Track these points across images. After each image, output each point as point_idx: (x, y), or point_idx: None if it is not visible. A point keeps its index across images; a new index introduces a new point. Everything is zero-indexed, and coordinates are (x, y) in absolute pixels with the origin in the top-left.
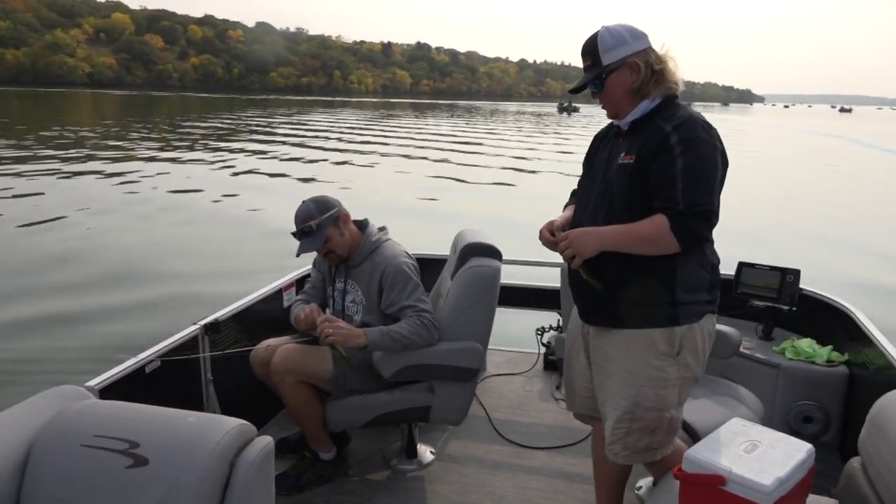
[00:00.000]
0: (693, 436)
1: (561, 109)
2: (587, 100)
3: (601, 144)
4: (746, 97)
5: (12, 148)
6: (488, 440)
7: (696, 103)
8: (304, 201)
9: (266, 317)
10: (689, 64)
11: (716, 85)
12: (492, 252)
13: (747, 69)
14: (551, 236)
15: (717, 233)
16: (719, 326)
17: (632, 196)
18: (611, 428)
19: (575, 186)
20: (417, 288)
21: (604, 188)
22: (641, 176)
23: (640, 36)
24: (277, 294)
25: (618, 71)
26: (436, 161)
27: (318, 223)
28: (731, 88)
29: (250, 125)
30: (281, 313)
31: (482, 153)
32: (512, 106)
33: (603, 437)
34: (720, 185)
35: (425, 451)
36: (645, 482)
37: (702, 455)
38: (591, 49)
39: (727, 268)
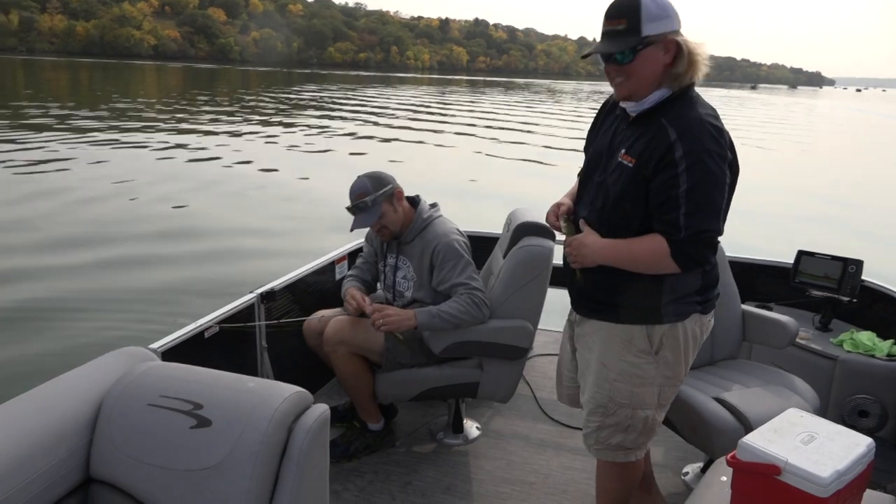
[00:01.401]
0: (745, 425)
1: None
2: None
3: (606, 120)
4: (815, 80)
5: (90, 119)
6: (533, 419)
7: (763, 85)
8: (359, 176)
9: (318, 288)
10: (755, 45)
11: (783, 67)
12: (545, 232)
13: (817, 51)
14: (557, 221)
15: (775, 221)
16: (775, 315)
17: (624, 197)
18: (585, 420)
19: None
20: (469, 266)
21: (602, 180)
22: (638, 181)
23: (677, 14)
24: (330, 266)
25: (654, 46)
26: (489, 139)
27: (373, 199)
28: (799, 71)
29: (308, 99)
30: (332, 285)
31: (536, 132)
32: (569, 85)
33: None
34: (728, 199)
35: (471, 427)
36: (692, 468)
37: (757, 444)
38: (629, 12)
39: (787, 256)
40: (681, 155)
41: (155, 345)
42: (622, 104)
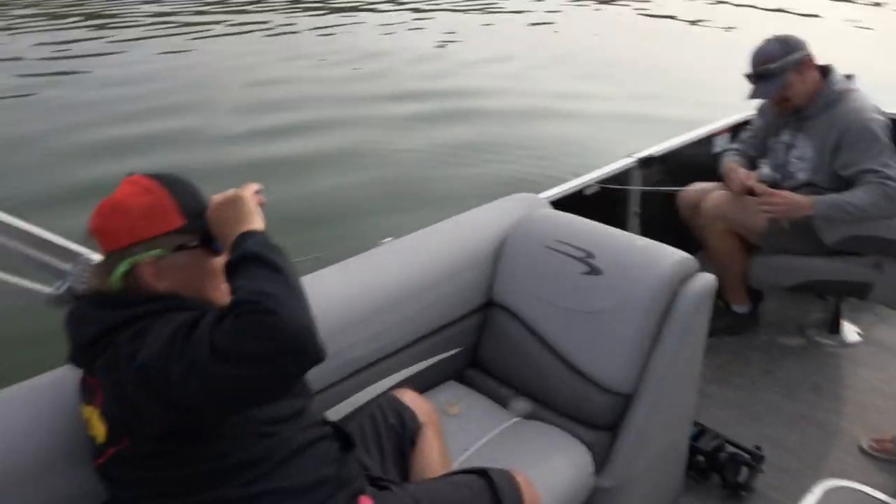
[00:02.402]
0: None
1: None
2: None
3: None
4: None
5: None
6: None
7: None
8: (766, 39)
9: (695, 160)
10: None
11: None
12: None
13: None
14: None
15: None
16: None
17: None
18: None
19: None
20: (886, 150)
21: None
22: None
23: None
24: (708, 139)
25: None
26: None
27: (780, 66)
28: None
29: None
30: (709, 158)
31: None
32: None
33: None
34: None
35: (850, 330)
36: None
37: None
38: None
39: None
40: None
41: (543, 194)
42: None
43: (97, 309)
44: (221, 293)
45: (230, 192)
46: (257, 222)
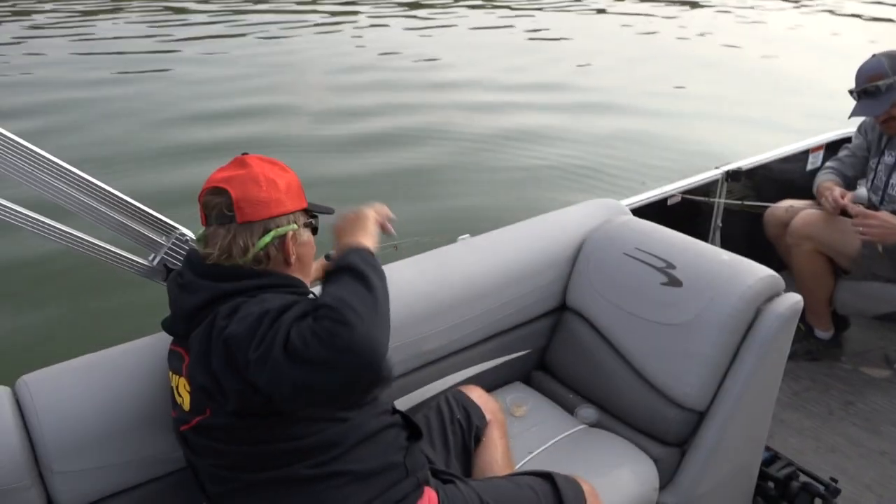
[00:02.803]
0: None
1: None
2: None
3: None
4: None
5: None
6: None
7: None
8: (874, 55)
9: (786, 176)
10: None
11: None
12: None
13: None
14: None
15: None
16: None
17: None
18: None
19: None
20: None
21: None
22: None
23: None
24: (803, 154)
25: None
26: None
27: (889, 84)
28: None
29: None
30: (802, 176)
31: None
32: None
33: None
34: None
35: None
36: None
37: None
38: None
39: None
40: None
41: (624, 201)
42: None
43: (205, 278)
44: (313, 268)
45: (360, 207)
46: (370, 241)
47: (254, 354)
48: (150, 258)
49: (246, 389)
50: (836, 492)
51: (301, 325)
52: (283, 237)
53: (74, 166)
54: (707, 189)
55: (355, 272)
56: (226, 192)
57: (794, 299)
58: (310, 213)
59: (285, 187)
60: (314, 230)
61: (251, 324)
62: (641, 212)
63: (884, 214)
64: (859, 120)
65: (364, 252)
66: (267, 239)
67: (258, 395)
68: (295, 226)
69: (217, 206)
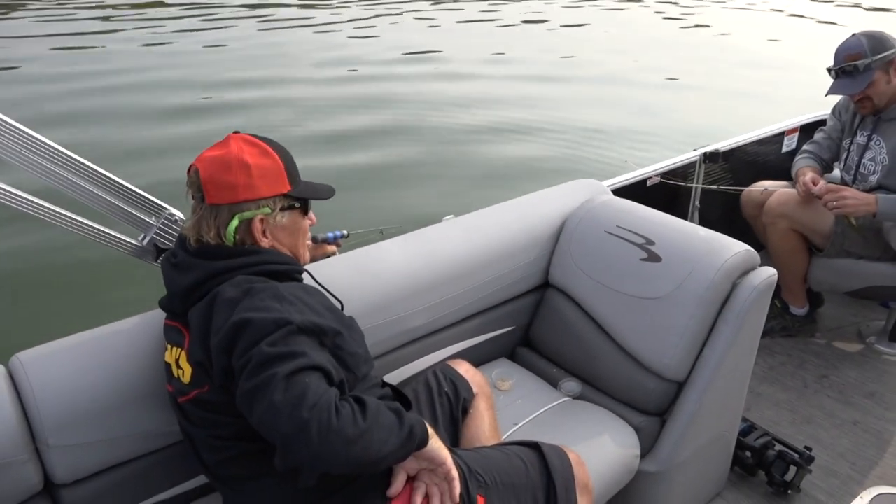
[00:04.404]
0: None
1: None
2: None
3: None
4: None
5: None
6: None
7: None
8: (854, 34)
9: (762, 158)
10: None
11: None
12: None
13: None
14: None
15: None
16: None
17: None
18: None
19: None
20: None
21: None
22: None
23: None
24: (779, 136)
25: None
26: None
27: (867, 64)
28: None
29: None
30: (778, 157)
31: None
32: None
33: None
34: None
35: None
36: None
37: None
38: None
39: None
40: None
41: (606, 182)
42: None
43: (196, 257)
44: (306, 249)
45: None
46: (439, 446)
47: (248, 361)
48: (140, 238)
49: (228, 373)
50: (811, 459)
51: (291, 381)
52: (249, 221)
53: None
54: (685, 171)
55: (404, 422)
56: (198, 172)
57: (768, 273)
58: (293, 196)
59: (259, 172)
60: (304, 211)
61: (265, 324)
62: (622, 192)
63: (851, 190)
64: (834, 101)
65: (425, 429)
66: (235, 223)
67: (233, 384)
68: (267, 210)
69: (192, 184)
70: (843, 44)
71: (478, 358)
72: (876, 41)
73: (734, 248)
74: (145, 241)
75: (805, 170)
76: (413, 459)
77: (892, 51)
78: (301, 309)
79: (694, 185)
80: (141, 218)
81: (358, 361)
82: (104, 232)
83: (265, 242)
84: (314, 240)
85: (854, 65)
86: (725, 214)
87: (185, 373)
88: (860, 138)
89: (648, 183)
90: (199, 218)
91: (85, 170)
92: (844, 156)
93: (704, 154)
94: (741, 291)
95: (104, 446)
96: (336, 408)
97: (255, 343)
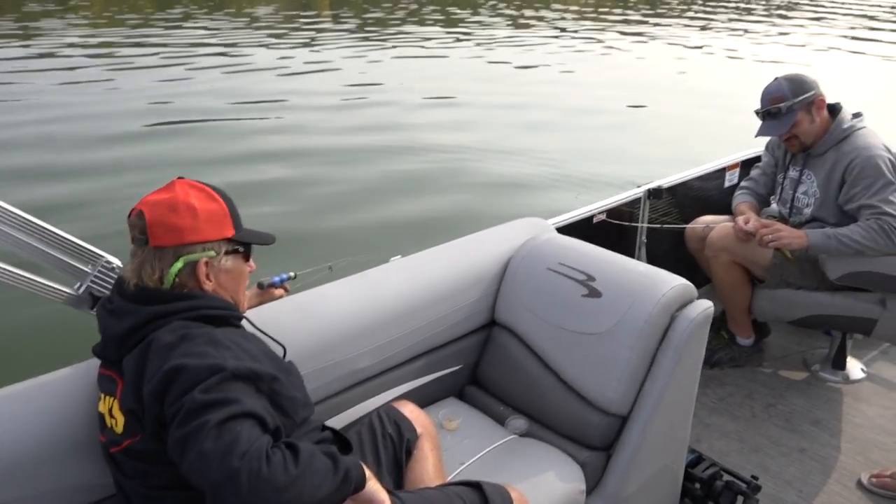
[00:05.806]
0: None
1: None
2: None
3: None
4: None
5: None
6: None
7: None
8: (776, 78)
9: (705, 193)
10: None
11: None
12: None
13: None
14: None
15: None
16: None
17: None
18: None
19: None
20: (889, 187)
21: None
22: None
23: None
24: (720, 172)
25: None
26: None
27: (789, 106)
28: None
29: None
30: (720, 192)
31: None
32: None
33: None
34: None
35: (855, 367)
36: None
37: None
38: None
39: None
40: None
41: (549, 220)
42: None
43: (134, 303)
44: (245, 296)
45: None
46: (377, 489)
47: (182, 416)
48: (76, 287)
49: (161, 421)
50: (757, 488)
51: (223, 429)
52: (194, 264)
53: None
54: (630, 207)
55: (339, 466)
56: (143, 215)
57: (705, 305)
58: (237, 241)
59: (206, 215)
60: (246, 257)
61: (199, 371)
62: (568, 230)
63: (783, 225)
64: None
65: (361, 471)
66: (179, 265)
67: (165, 432)
68: (212, 253)
69: (135, 227)
70: (766, 87)
71: (426, 398)
72: (796, 84)
73: (672, 282)
74: (81, 290)
75: (742, 206)
76: (350, 503)
77: (811, 92)
78: (237, 354)
79: (639, 224)
80: (76, 266)
81: (296, 406)
82: (36, 281)
83: (208, 286)
84: (260, 285)
85: (778, 107)
86: (672, 249)
87: (118, 422)
88: (793, 173)
89: (594, 220)
90: (140, 261)
91: (14, 218)
92: (780, 190)
93: (648, 191)
94: (679, 324)
95: (36, 501)
96: (267, 455)
97: (187, 390)
